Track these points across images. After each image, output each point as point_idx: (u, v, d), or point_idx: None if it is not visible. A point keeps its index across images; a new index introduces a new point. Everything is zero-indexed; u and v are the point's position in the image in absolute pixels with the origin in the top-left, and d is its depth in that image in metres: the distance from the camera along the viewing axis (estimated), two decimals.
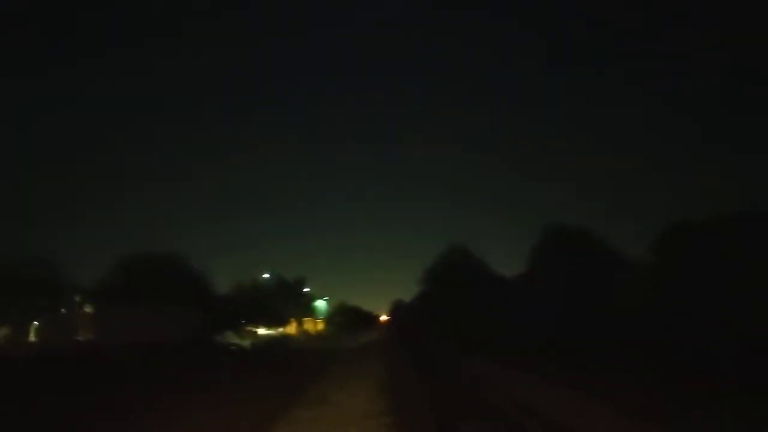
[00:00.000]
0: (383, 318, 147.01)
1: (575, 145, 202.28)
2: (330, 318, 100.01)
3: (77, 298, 38.23)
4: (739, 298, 18.09)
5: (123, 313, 33.59)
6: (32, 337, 28.56)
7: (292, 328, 76.21)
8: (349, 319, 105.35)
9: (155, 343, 31.97)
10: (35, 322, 33.48)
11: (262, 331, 65.58)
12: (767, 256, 18.43)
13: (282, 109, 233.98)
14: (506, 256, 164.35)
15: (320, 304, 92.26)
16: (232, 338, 51.99)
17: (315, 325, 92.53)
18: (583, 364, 19.50)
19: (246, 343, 50.60)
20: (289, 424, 11.88)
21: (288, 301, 67.54)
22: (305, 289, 79.12)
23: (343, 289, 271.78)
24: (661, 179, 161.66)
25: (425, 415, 11.16)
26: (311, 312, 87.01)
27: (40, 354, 27.12)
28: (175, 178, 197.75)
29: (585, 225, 40.26)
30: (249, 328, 60.26)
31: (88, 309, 34.41)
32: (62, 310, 36.97)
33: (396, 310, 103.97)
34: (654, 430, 9.54)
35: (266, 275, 66.67)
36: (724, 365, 14.92)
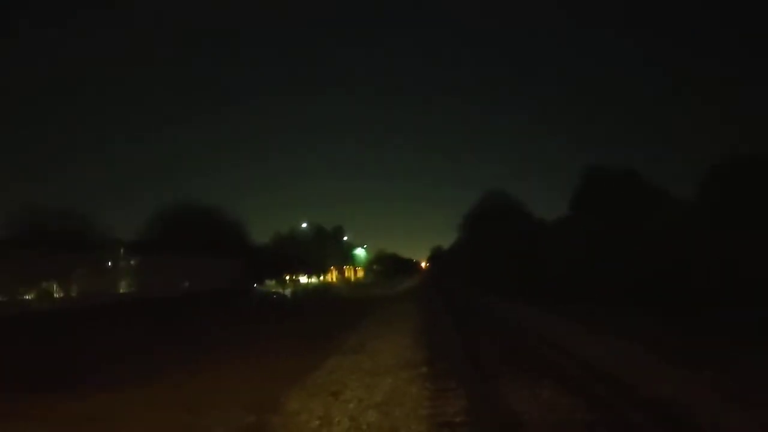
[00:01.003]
0: (422, 265, 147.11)
1: (617, 81, 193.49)
2: (369, 266, 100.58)
3: (121, 251, 38.98)
4: None
5: (164, 265, 34.12)
6: (74, 292, 29.17)
7: (332, 277, 76.92)
8: (388, 266, 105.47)
9: (194, 293, 32.53)
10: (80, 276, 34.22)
11: (302, 279, 66.51)
12: None
13: (318, 53, 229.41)
14: (549, 199, 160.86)
15: (359, 252, 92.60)
16: (272, 287, 52.77)
17: (355, 273, 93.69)
18: (624, 310, 18.81)
19: (286, 291, 51.56)
20: (325, 373, 11.65)
21: (327, 249, 67.88)
22: (344, 238, 79.38)
23: (382, 237, 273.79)
24: (711, 113, 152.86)
25: (462, 366, 10.72)
26: (351, 260, 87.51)
27: (97, 305, 27.68)
28: (210, 127, 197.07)
29: (629, 165, 38.23)
30: (289, 277, 61.02)
31: (131, 262, 35.02)
32: (108, 263, 37.63)
33: (435, 257, 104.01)
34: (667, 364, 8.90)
35: (304, 225, 67.21)
36: None
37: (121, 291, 32.19)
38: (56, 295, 28.93)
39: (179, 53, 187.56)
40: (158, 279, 33.22)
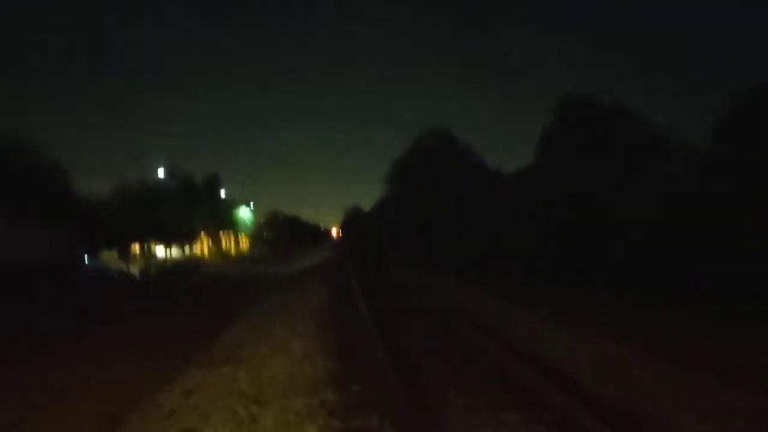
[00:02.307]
0: (335, 232, 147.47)
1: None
2: (258, 232, 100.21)
3: None
4: None
5: None
6: None
7: (203, 247, 76.12)
8: (286, 233, 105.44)
9: None
10: None
11: (160, 251, 65.16)
12: None
13: None
14: (509, 151, 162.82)
15: (243, 213, 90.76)
16: (113, 262, 51.62)
17: (236, 243, 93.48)
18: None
19: (135, 269, 50.46)
20: (178, 396, 10.71)
21: (195, 208, 65.51)
22: (222, 195, 77.69)
23: (278, 197, 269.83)
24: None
25: (386, 385, 9.83)
26: (231, 225, 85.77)
27: None
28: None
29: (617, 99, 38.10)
30: (140, 247, 59.71)
31: None
32: None
33: (351, 221, 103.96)
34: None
35: (161, 173, 64.60)
36: None
37: None
38: None
39: None
40: None
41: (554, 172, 34.40)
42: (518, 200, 36.63)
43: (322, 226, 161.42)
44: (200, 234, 73.27)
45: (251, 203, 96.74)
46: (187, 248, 69.81)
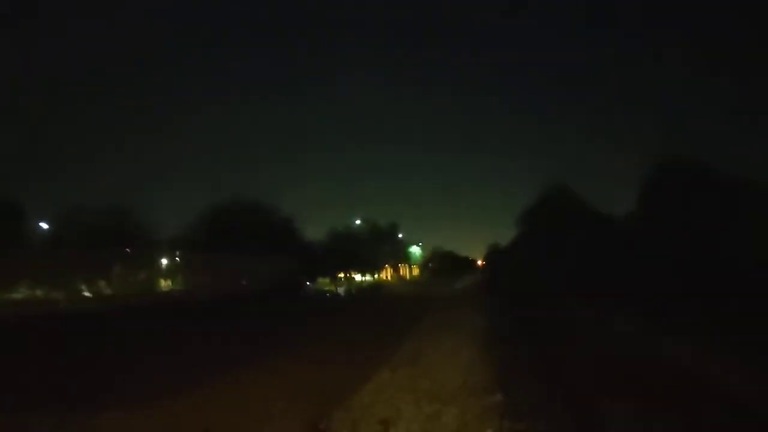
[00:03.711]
0: (480, 263, 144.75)
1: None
2: (424, 263, 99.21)
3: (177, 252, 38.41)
4: None
5: (210, 262, 32.88)
6: (109, 290, 27.87)
7: (386, 274, 76.49)
8: (444, 264, 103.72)
9: (240, 292, 31.13)
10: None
11: (357, 277, 65.63)
12: None
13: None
14: (614, 193, 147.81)
15: (414, 249, 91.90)
16: (326, 285, 51.74)
17: (409, 271, 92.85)
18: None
19: (340, 289, 50.39)
20: (373, 392, 9.58)
21: (381, 247, 67.95)
22: (399, 235, 78.74)
23: (437, 234, 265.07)
24: None
25: (550, 394, 8.36)
26: (405, 258, 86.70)
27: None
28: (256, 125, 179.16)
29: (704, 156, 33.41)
30: (344, 274, 60.59)
31: (175, 258, 34.12)
32: (163, 261, 36.84)
33: (492, 255, 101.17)
34: None
35: (358, 221, 66.95)
36: None
37: (164, 289, 30.97)
38: (86, 294, 27.46)
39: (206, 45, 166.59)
40: (203, 277, 31.95)
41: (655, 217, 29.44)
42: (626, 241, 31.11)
43: (471, 257, 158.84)
44: (384, 265, 74.88)
45: (419, 243, 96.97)
46: (375, 275, 71.08)
